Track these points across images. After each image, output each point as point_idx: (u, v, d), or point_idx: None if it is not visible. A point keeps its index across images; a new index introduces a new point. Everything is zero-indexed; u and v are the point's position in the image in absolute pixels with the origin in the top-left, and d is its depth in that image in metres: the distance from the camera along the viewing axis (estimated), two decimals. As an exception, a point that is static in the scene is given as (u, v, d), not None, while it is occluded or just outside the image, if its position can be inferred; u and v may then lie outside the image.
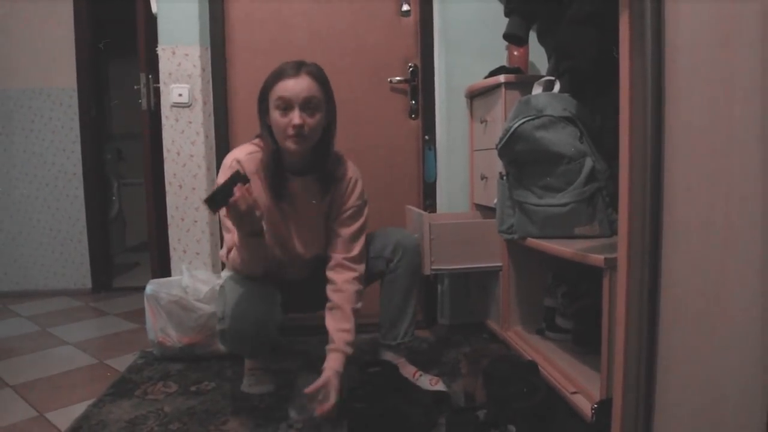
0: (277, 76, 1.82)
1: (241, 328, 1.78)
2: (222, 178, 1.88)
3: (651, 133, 1.04)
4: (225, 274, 2.06)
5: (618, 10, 1.16)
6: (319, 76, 1.84)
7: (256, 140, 1.97)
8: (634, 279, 1.18)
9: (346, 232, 1.99)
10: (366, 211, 2.04)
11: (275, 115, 1.81)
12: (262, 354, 2.07)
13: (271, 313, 1.83)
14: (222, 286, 1.99)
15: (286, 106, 1.79)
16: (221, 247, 2.71)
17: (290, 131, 1.79)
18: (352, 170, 2.02)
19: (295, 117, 1.77)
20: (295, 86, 1.78)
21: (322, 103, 1.84)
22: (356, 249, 1.99)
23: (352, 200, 2.00)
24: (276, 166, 1.88)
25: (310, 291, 2.02)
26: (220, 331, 1.84)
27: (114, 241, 4.50)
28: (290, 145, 1.81)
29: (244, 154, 1.91)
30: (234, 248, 1.84)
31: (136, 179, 5.28)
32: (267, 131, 1.88)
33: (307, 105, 1.79)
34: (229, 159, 1.92)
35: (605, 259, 1.50)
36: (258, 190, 1.86)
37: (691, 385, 1.05)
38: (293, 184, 1.93)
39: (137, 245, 5.37)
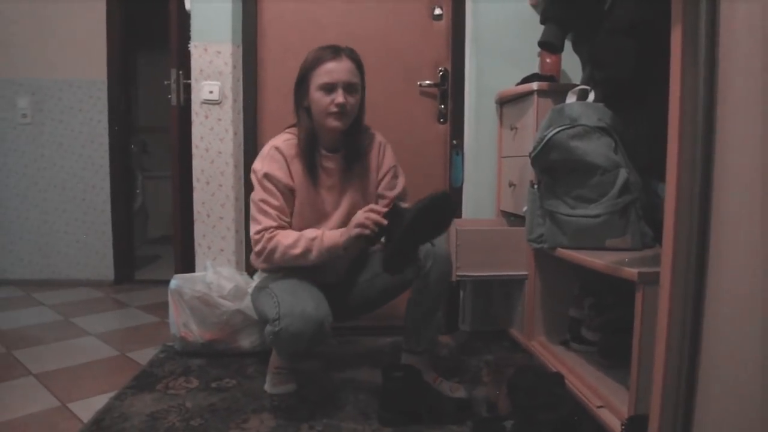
0: (318, 59, 1.93)
1: (301, 328, 1.75)
2: (259, 164, 1.95)
3: (701, 152, 1.02)
4: (259, 276, 2.08)
5: (660, 23, 1.14)
6: (356, 59, 1.97)
7: (290, 129, 2.05)
8: (677, 295, 1.16)
9: (392, 193, 2.10)
10: (402, 171, 2.16)
11: (317, 95, 1.91)
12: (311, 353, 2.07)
13: (327, 312, 1.82)
14: (261, 288, 2.01)
15: (331, 87, 1.89)
16: (246, 244, 2.75)
17: (333, 108, 1.89)
18: (378, 136, 2.13)
19: (339, 96, 1.88)
20: (339, 68, 1.90)
21: (360, 83, 1.96)
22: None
23: (387, 162, 2.11)
24: (312, 144, 1.97)
25: (344, 296, 2.07)
26: (273, 333, 1.79)
27: (136, 233, 4.53)
28: (332, 122, 1.91)
29: (282, 141, 2.00)
30: (292, 245, 1.88)
31: (160, 172, 5.34)
32: (305, 112, 1.97)
33: (349, 86, 1.91)
34: (268, 147, 1.99)
35: (639, 273, 1.48)
36: (298, 172, 1.96)
37: (731, 405, 1.03)
38: (329, 162, 2.02)
39: (159, 238, 5.42)
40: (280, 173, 1.93)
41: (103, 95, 3.80)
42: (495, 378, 1.96)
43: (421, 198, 1.75)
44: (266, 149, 1.98)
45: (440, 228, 1.85)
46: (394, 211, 1.81)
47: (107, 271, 3.90)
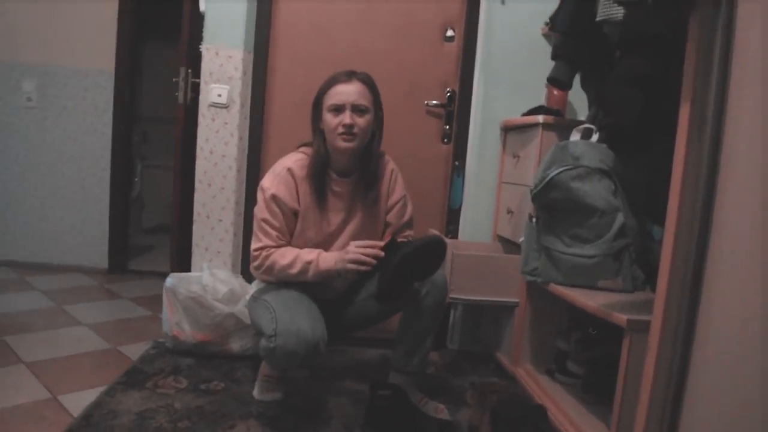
0: (331, 82, 1.98)
1: (295, 348, 1.77)
2: (269, 183, 1.98)
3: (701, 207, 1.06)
4: (256, 285, 2.12)
5: (668, 77, 1.18)
6: (369, 82, 2.00)
7: (303, 148, 2.08)
8: (666, 345, 1.21)
9: (400, 222, 2.16)
10: (409, 199, 2.20)
11: (328, 117, 1.95)
12: (304, 371, 2.10)
13: (323, 332, 1.85)
14: (257, 299, 2.04)
15: (338, 108, 1.93)
16: (243, 248, 2.78)
17: (341, 129, 1.92)
18: (391, 164, 2.17)
19: (346, 117, 1.91)
20: (347, 90, 1.94)
21: (371, 107, 1.98)
22: (409, 233, 2.18)
23: (398, 191, 2.15)
24: (323, 167, 2.00)
25: (339, 313, 2.11)
26: (267, 348, 1.81)
27: (132, 222, 4.54)
28: (340, 143, 1.94)
29: (294, 161, 2.02)
30: (288, 262, 1.94)
31: (159, 161, 5.35)
32: (319, 135, 2.01)
33: (357, 107, 1.93)
34: (281, 167, 2.01)
35: (628, 320, 1.53)
36: (306, 194, 2.00)
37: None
38: (339, 186, 2.04)
39: (153, 227, 5.42)
40: (287, 196, 1.97)
41: (109, 85, 3.81)
42: (479, 402, 1.99)
43: (416, 239, 1.91)
44: (279, 168, 2.01)
45: (429, 270, 1.96)
46: (391, 244, 1.89)
47: (101, 260, 3.91)
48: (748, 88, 1.00)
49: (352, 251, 1.89)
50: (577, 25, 1.96)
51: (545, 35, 2.72)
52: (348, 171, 2.05)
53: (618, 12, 1.29)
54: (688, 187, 1.13)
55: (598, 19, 1.34)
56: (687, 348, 1.21)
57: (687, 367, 1.22)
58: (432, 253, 1.90)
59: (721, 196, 1.10)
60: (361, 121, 1.94)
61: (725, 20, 0.97)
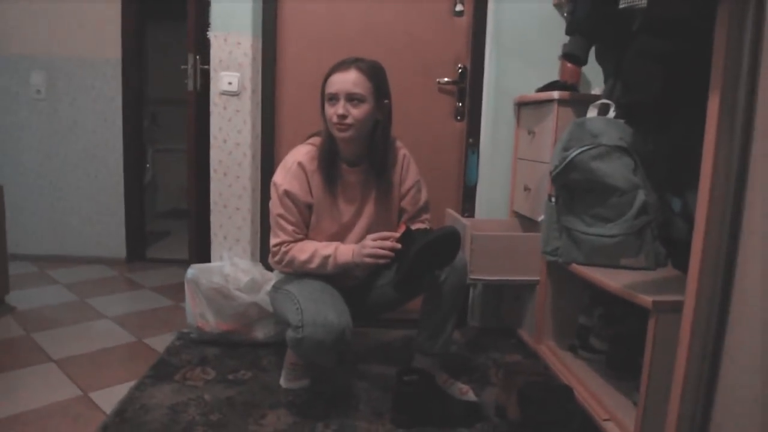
0: (330, 71, 1.97)
1: (323, 338, 1.79)
2: (281, 178, 1.98)
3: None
4: (276, 276, 2.13)
5: (687, 54, 1.15)
6: (370, 71, 1.96)
7: (312, 140, 2.07)
8: (699, 325, 1.21)
9: (415, 207, 2.17)
10: (424, 183, 2.20)
11: (326, 106, 1.96)
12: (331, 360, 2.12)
13: (349, 321, 1.86)
14: (280, 290, 2.05)
15: (334, 97, 1.92)
16: (261, 234, 2.79)
17: (335, 119, 1.91)
18: (403, 149, 2.16)
19: (339, 107, 1.90)
20: (342, 79, 1.92)
21: (370, 96, 1.94)
22: (426, 216, 2.21)
23: (411, 177, 2.15)
24: (331, 155, 2.00)
25: (362, 299, 2.13)
26: (295, 339, 1.83)
27: (146, 208, 4.56)
28: (336, 132, 1.94)
29: (304, 154, 2.02)
30: (309, 258, 1.96)
31: (170, 144, 5.35)
32: (326, 121, 2.00)
33: (352, 96, 1.91)
34: (291, 160, 2.01)
35: (654, 302, 1.52)
36: (318, 186, 2.00)
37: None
38: (350, 175, 2.05)
39: (169, 211, 5.46)
40: (299, 191, 1.97)
41: (117, 74, 3.80)
42: (505, 383, 2.01)
43: (431, 230, 1.94)
44: (289, 163, 2.01)
45: (445, 261, 1.97)
46: (407, 234, 1.90)
47: (119, 249, 3.95)
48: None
49: (368, 245, 1.90)
50: (596, 18, 1.92)
51: (556, 5, 2.66)
52: (357, 160, 2.05)
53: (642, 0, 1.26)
54: (719, 176, 1.11)
55: (621, 6, 1.31)
56: (721, 327, 1.21)
57: (721, 349, 1.22)
58: (446, 245, 1.91)
59: (752, 178, 1.08)
60: (356, 111, 1.91)
61: (756, 8, 0.94)
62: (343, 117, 1.90)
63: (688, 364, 1.28)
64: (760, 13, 0.95)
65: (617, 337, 2.04)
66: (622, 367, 1.99)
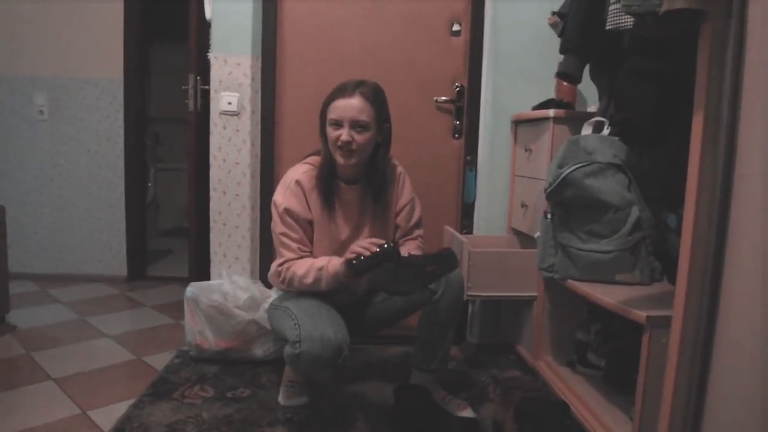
0: (334, 95, 1.98)
1: (320, 353, 1.79)
2: (281, 197, 2.00)
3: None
4: (275, 293, 2.14)
5: (679, 72, 1.18)
6: (373, 97, 1.97)
7: (310, 159, 2.09)
8: (687, 339, 1.22)
9: (409, 224, 2.19)
10: (418, 201, 2.22)
11: (329, 130, 1.97)
12: (328, 375, 2.10)
13: (346, 336, 1.86)
14: (278, 307, 2.06)
15: (338, 123, 1.94)
16: (261, 252, 2.81)
17: (338, 143, 1.93)
18: (399, 167, 2.19)
19: (344, 134, 1.92)
20: (346, 106, 1.93)
21: (373, 122, 1.96)
22: (418, 232, 2.22)
23: (406, 194, 2.17)
24: (329, 175, 2.01)
25: (359, 316, 2.13)
26: (293, 355, 1.83)
27: (148, 226, 4.58)
28: (338, 158, 1.97)
29: (302, 173, 2.03)
30: (305, 272, 1.95)
31: (172, 164, 5.39)
32: (326, 144, 2.01)
33: (356, 124, 1.93)
34: (290, 179, 2.02)
35: (647, 317, 1.53)
36: (316, 204, 2.02)
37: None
38: (347, 193, 2.06)
39: (171, 229, 5.48)
40: (299, 208, 1.99)
41: (119, 93, 3.84)
42: (502, 398, 2.01)
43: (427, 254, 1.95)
44: (287, 181, 2.02)
45: (435, 274, 1.93)
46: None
47: (120, 267, 3.96)
48: (759, 100, 1.01)
49: (352, 248, 1.90)
50: (586, 37, 1.95)
51: (552, 25, 2.70)
52: (354, 178, 2.07)
53: (627, 21, 1.28)
54: (705, 194, 1.13)
55: (607, 27, 1.33)
56: (709, 341, 1.22)
57: (709, 363, 1.23)
58: (446, 263, 1.92)
59: (737, 195, 1.10)
60: (360, 137, 1.94)
61: (737, 30, 0.96)
62: (348, 144, 1.92)
63: (677, 378, 1.29)
64: (741, 32, 0.97)
65: (614, 352, 2.04)
66: (619, 382, 1.99)
